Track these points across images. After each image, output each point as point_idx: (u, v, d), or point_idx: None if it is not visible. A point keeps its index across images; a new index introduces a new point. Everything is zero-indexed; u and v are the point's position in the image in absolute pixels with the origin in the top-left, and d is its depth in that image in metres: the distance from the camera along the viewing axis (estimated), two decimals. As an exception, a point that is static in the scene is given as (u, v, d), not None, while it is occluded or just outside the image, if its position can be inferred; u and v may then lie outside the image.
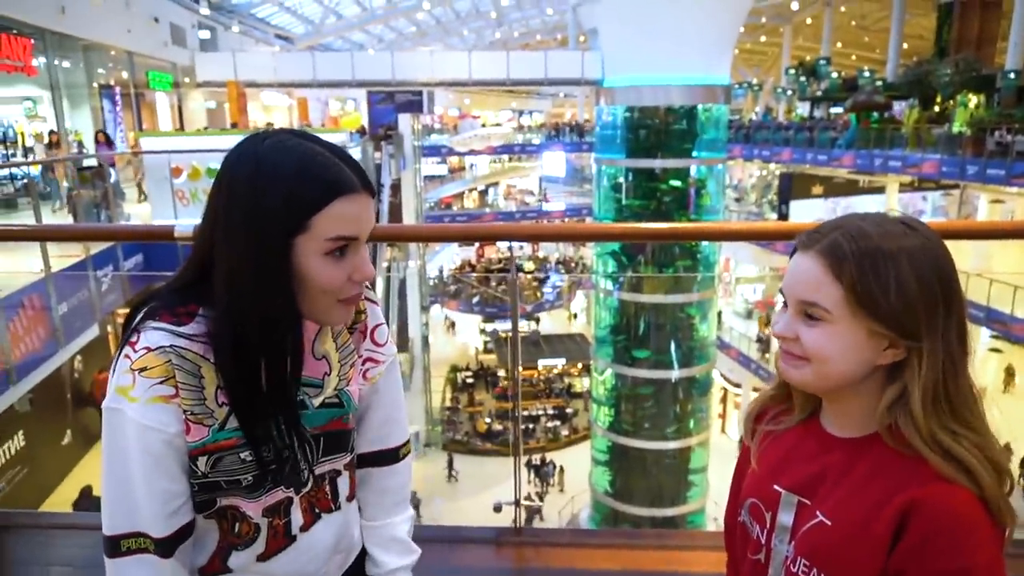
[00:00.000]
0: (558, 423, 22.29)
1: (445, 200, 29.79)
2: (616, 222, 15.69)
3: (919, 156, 16.46)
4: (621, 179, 16.71)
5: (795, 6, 33.24)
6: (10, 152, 13.20)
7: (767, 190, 27.33)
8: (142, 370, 0.86)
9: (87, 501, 6.93)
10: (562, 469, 19.14)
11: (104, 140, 10.83)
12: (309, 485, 1.01)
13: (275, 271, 0.86)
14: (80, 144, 13.65)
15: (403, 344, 18.96)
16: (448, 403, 23.71)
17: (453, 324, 29.47)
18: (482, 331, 28.09)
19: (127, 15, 15.55)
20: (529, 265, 29.23)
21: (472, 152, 27.06)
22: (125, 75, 16.81)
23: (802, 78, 31.13)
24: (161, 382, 0.86)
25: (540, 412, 22.27)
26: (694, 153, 16.13)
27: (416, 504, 13.26)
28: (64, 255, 6.50)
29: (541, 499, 17.19)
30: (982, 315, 12.65)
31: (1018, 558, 2.07)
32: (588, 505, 17.59)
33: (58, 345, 6.05)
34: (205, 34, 20.72)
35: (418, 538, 1.20)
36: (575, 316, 30.53)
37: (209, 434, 0.90)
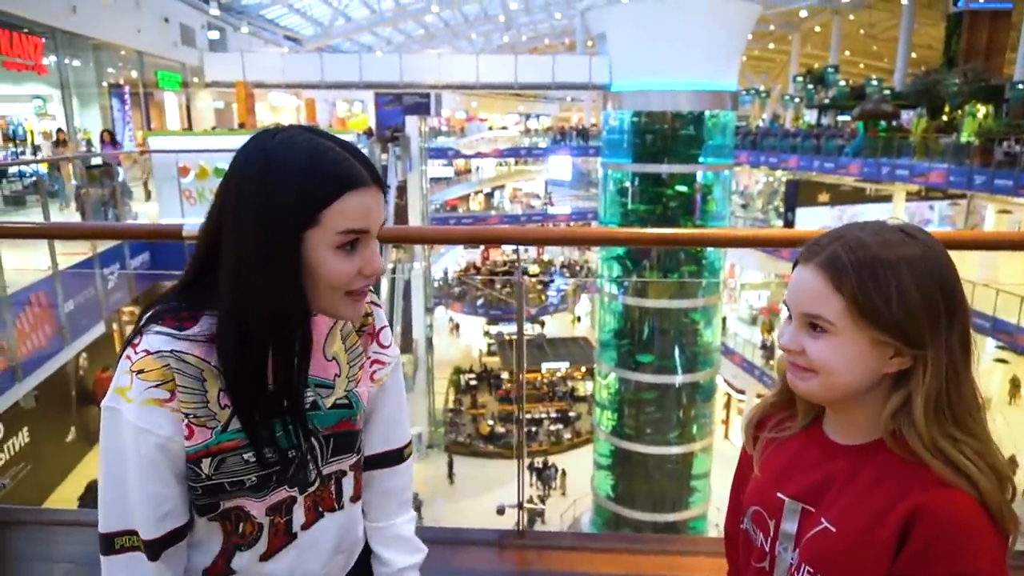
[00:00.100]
0: (561, 426, 22.28)
1: (451, 202, 29.85)
2: (622, 226, 15.68)
3: (926, 165, 16.41)
4: (627, 184, 16.73)
5: (804, 14, 33.21)
6: (19, 150, 13.27)
7: (773, 197, 27.28)
8: (140, 372, 0.86)
9: (92, 496, 6.94)
10: (564, 472, 19.11)
11: (109, 139, 10.85)
12: (315, 485, 1.01)
13: (285, 266, 0.87)
14: (89, 143, 13.70)
15: (407, 345, 18.98)
16: (451, 405, 23.73)
17: (457, 326, 29.49)
18: (486, 333, 28.11)
19: (137, 15, 15.62)
20: (534, 268, 29.25)
21: (478, 155, 27.11)
22: (134, 74, 16.88)
23: (810, 86, 31.07)
24: (157, 385, 0.87)
25: (543, 415, 22.26)
26: (701, 159, 16.14)
27: (418, 506, 13.25)
28: (71, 253, 6.53)
29: (543, 502, 17.17)
30: (988, 325, 12.60)
31: (1021, 570, 2.06)
32: (590, 509, 17.57)
33: (64, 342, 6.08)
34: (214, 35, 20.78)
35: (420, 539, 1.21)
36: (578, 319, 30.52)
37: (212, 436, 0.90)
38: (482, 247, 30.02)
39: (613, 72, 16.84)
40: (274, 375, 0.92)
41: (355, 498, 1.10)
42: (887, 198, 19.71)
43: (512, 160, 32.00)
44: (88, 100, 15.06)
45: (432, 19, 35.00)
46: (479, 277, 27.39)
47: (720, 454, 17.16)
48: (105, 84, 15.72)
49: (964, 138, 16.18)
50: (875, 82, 28.72)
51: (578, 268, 30.88)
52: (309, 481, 1.00)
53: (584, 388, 24.15)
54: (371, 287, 0.98)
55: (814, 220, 17.62)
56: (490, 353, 27.06)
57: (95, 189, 9.29)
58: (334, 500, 1.05)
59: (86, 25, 13.52)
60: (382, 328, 1.12)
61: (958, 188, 16.53)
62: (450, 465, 18.92)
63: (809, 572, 0.89)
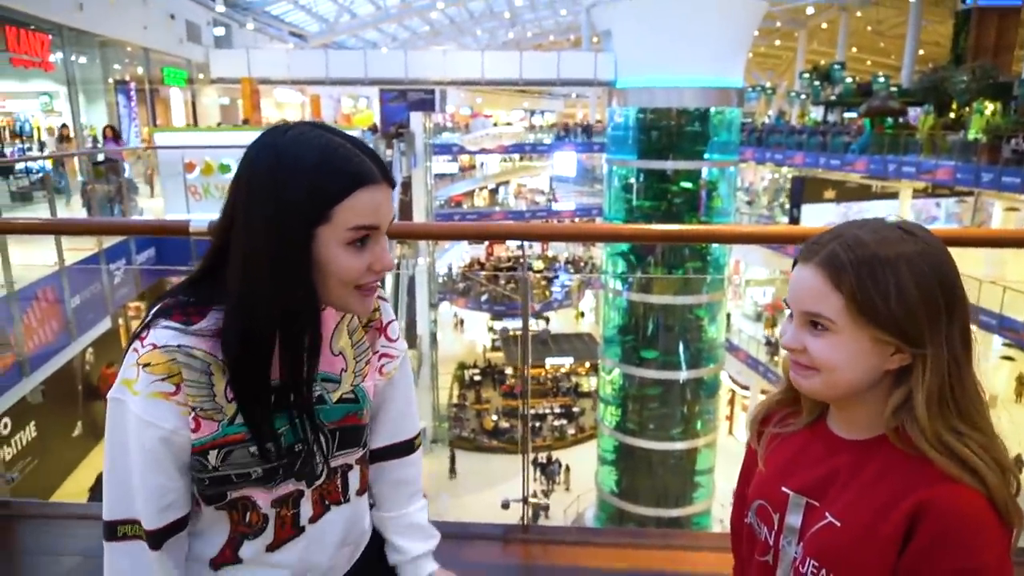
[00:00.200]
0: (565, 422, 22.30)
1: (455, 198, 29.83)
2: (626, 223, 15.68)
3: (933, 162, 16.34)
4: (632, 180, 16.70)
5: (811, 11, 33.05)
6: (26, 146, 13.31)
7: (779, 193, 27.21)
8: (146, 365, 0.87)
9: (102, 487, 6.98)
10: (568, 468, 19.14)
11: (112, 135, 10.86)
12: (322, 478, 1.02)
13: (296, 262, 0.88)
14: (95, 139, 13.74)
15: (411, 341, 19.00)
16: (455, 400, 23.77)
17: (461, 322, 29.51)
18: (490, 329, 28.12)
19: (143, 12, 15.64)
20: (538, 264, 29.22)
21: (483, 151, 27.09)
22: (140, 71, 16.91)
23: (816, 82, 30.93)
24: (163, 379, 0.88)
25: (547, 411, 22.28)
26: (706, 155, 16.10)
27: (422, 501, 13.24)
28: (77, 249, 6.55)
29: (547, 497, 17.20)
30: (995, 323, 12.56)
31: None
32: (594, 504, 17.59)
33: (70, 338, 6.10)
34: (220, 31, 20.80)
35: None
36: (582, 315, 30.51)
37: (219, 429, 0.91)
38: (486, 243, 30.03)
39: (618, 68, 16.81)
40: (281, 370, 0.93)
41: (361, 491, 1.11)
42: (893, 195, 19.63)
43: (517, 156, 31.94)
44: (94, 96, 15.11)
45: (437, 15, 34.96)
46: (483, 273, 27.36)
47: (724, 450, 17.16)
48: (111, 80, 15.76)
49: (972, 135, 16.09)
50: (882, 79, 28.58)
51: (583, 264, 30.85)
52: (316, 475, 1.01)
53: (588, 384, 24.16)
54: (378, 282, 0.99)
55: (820, 217, 17.57)
56: (494, 349, 27.08)
57: (101, 185, 9.32)
58: (340, 493, 1.06)
59: (93, 22, 13.55)
60: (389, 322, 1.13)
61: (965, 185, 16.46)
62: (452, 460, 18.96)
63: (814, 566, 0.89)
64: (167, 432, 0.89)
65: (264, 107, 20.64)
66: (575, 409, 22.88)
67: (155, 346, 0.88)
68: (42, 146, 13.70)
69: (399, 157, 15.41)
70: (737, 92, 16.21)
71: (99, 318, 6.80)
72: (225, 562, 0.99)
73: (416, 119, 19.46)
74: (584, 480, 18.14)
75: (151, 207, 10.60)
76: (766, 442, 1.03)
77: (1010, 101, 18.01)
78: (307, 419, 0.97)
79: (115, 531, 0.92)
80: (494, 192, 33.16)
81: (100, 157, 9.88)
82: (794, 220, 18.89)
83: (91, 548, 2.28)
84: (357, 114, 29.59)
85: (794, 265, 0.92)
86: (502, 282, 26.01)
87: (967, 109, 18.58)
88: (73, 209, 9.45)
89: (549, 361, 24.58)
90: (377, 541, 1.19)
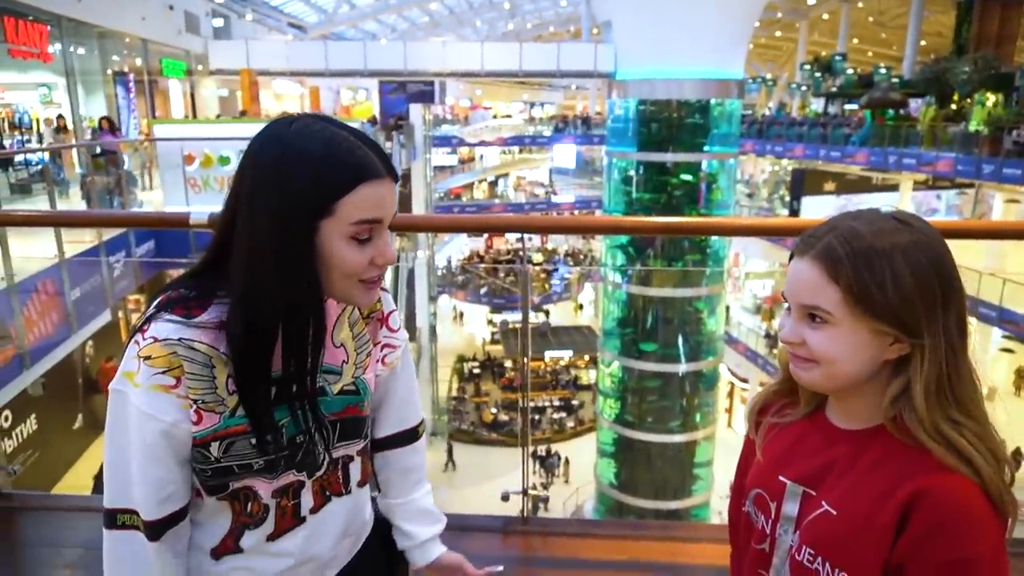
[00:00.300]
0: (564, 414, 22.35)
1: (454, 191, 29.83)
2: (626, 215, 15.66)
3: (934, 154, 16.30)
4: (632, 172, 16.67)
5: (812, 1, 32.94)
6: (25, 138, 13.28)
7: (779, 186, 27.16)
8: (147, 358, 0.88)
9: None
10: (567, 460, 19.20)
11: (108, 127, 10.82)
12: (323, 470, 1.03)
13: (300, 255, 0.88)
14: (94, 131, 13.72)
15: (411, 334, 19.01)
16: (454, 393, 23.81)
17: (461, 314, 29.54)
18: (489, 322, 28.15)
19: (142, 2, 15.56)
20: (538, 257, 29.23)
21: (483, 143, 27.06)
22: (139, 62, 16.85)
23: (817, 74, 30.82)
24: (163, 372, 0.88)
25: (546, 403, 22.33)
26: (706, 147, 16.06)
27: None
28: (77, 241, 6.55)
29: (546, 490, 17.25)
30: (994, 315, 12.57)
31: (1018, 557, 2.07)
32: (593, 497, 17.65)
33: (71, 330, 6.11)
34: (219, 22, 20.70)
35: None
36: (581, 307, 30.54)
37: (220, 421, 0.92)
38: (486, 236, 30.01)
39: (618, 60, 16.75)
40: (284, 362, 0.93)
41: (362, 483, 1.12)
42: (894, 187, 19.60)
43: (516, 148, 31.92)
44: (93, 88, 15.05)
45: (436, 6, 34.82)
46: (483, 265, 27.40)
47: (723, 442, 17.19)
48: (110, 72, 15.71)
49: (973, 127, 16.05)
50: (883, 70, 28.50)
51: (582, 256, 30.86)
52: (316, 466, 1.02)
53: (587, 376, 24.21)
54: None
55: (820, 209, 17.55)
56: (493, 341, 27.12)
57: (100, 177, 9.30)
58: (341, 485, 1.07)
59: (91, 13, 13.49)
60: (391, 312, 1.14)
61: (966, 177, 16.43)
62: (449, 453, 19.00)
63: (810, 554, 0.90)
64: (167, 425, 0.89)
65: (263, 99, 20.58)
66: (574, 402, 22.93)
67: (156, 339, 0.88)
68: (40, 138, 13.67)
69: (398, 149, 15.37)
70: (737, 84, 16.16)
71: (99, 311, 6.80)
72: (226, 552, 1.00)
73: (415, 111, 19.42)
74: (583, 473, 18.20)
75: (150, 199, 10.58)
76: (764, 432, 1.04)
77: (1012, 92, 17.94)
78: (309, 411, 0.97)
79: (115, 519, 0.93)
80: (493, 184, 33.14)
81: (99, 149, 9.86)
82: (794, 212, 18.86)
83: (92, 540, 2.28)
84: (356, 106, 29.50)
85: (790, 259, 0.92)
86: (501, 275, 26.02)
87: (968, 100, 18.53)
88: (72, 201, 9.44)
89: (548, 354, 24.62)
90: (378, 532, 1.20)
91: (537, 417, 21.37)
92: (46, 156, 10.66)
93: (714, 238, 15.55)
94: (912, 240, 0.85)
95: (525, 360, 2.80)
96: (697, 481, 16.71)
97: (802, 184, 19.23)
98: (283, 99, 27.23)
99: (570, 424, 22.09)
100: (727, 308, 19.61)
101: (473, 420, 22.10)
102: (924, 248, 0.85)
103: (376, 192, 0.89)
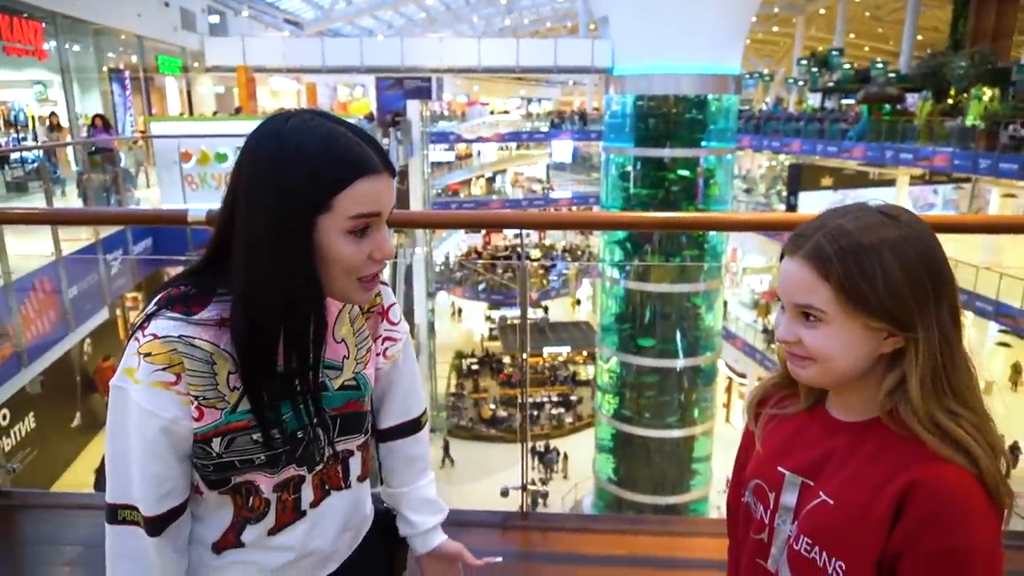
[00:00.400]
0: (562, 410, 22.36)
1: (452, 187, 29.75)
2: (624, 211, 15.64)
3: (931, 149, 16.32)
4: (629, 168, 16.66)
5: (808, -5, 32.93)
6: (21, 136, 13.24)
7: (776, 181, 27.19)
8: (147, 355, 0.88)
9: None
10: (566, 456, 19.21)
11: (102, 124, 10.78)
12: (322, 464, 1.03)
13: (297, 251, 0.88)
14: (89, 128, 13.68)
15: (409, 330, 18.97)
16: (453, 389, 23.80)
17: (459, 311, 29.52)
18: (488, 318, 28.14)
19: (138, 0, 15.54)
20: (535, 253, 29.22)
21: (480, 139, 27.00)
22: (135, 59, 16.80)
23: (814, 69, 30.84)
24: (163, 369, 0.88)
25: (545, 399, 22.33)
26: (703, 143, 16.04)
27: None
28: (74, 239, 6.54)
29: (544, 485, 17.26)
30: (991, 309, 12.60)
31: (1020, 550, 2.09)
32: (591, 492, 17.66)
33: (68, 328, 6.10)
34: (215, 19, 20.67)
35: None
36: (578, 302, 30.55)
37: (222, 417, 0.92)
38: (483, 231, 29.99)
39: (615, 55, 16.72)
40: (286, 358, 0.93)
41: (362, 477, 1.12)
42: (891, 182, 19.62)
43: (514, 144, 31.87)
44: (89, 85, 15.01)
45: (433, 2, 34.80)
46: (481, 262, 27.35)
47: (721, 438, 17.22)
48: (105, 69, 15.66)
49: (969, 122, 16.07)
50: (880, 65, 28.50)
51: (580, 252, 30.85)
52: (316, 460, 1.02)
53: (586, 372, 24.22)
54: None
55: (817, 204, 17.55)
56: (492, 337, 27.12)
57: (97, 175, 9.28)
58: (341, 479, 1.07)
59: (86, 10, 13.45)
60: (391, 306, 1.14)
61: (963, 172, 16.45)
62: (445, 449, 19.01)
63: (807, 543, 0.91)
64: (167, 421, 0.90)
65: (260, 95, 20.53)
66: (573, 397, 22.94)
67: (156, 336, 0.89)
68: (36, 136, 13.63)
69: (395, 145, 15.35)
70: (734, 79, 16.12)
71: (97, 308, 6.79)
72: (227, 546, 1.00)
73: (412, 107, 19.38)
74: (582, 468, 18.22)
75: (147, 197, 10.56)
76: (763, 423, 1.05)
77: (1008, 87, 17.96)
78: (312, 406, 0.98)
79: (116, 514, 0.93)
80: (491, 180, 33.07)
81: (95, 147, 9.83)
82: (791, 208, 18.88)
83: (92, 537, 2.29)
84: (353, 102, 29.44)
85: (781, 258, 0.93)
86: (499, 271, 26.02)
87: (965, 95, 18.55)
88: (69, 199, 9.42)
89: (547, 350, 24.61)
90: (378, 526, 1.21)
91: (536, 413, 21.38)
92: (41, 154, 10.63)
93: (712, 233, 15.54)
94: (900, 234, 0.85)
95: (524, 356, 2.81)
96: (695, 476, 16.73)
97: (799, 179, 19.24)
98: (280, 96, 27.17)
99: (568, 420, 22.11)
100: (725, 303, 19.62)
101: (472, 416, 22.11)
102: (912, 242, 0.85)
103: (374, 187, 0.90)
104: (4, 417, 6.88)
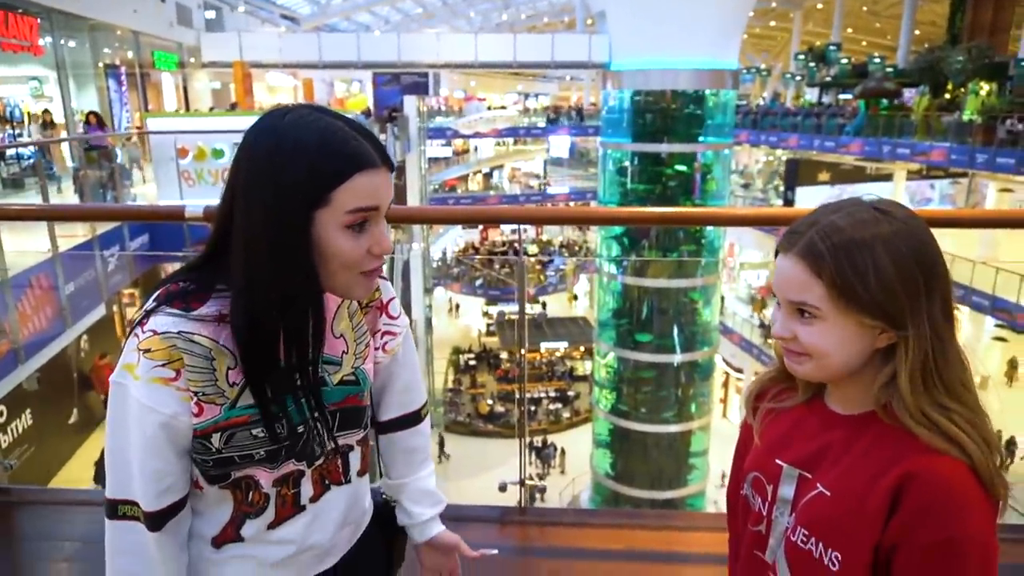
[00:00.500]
0: (560, 405, 22.41)
1: (449, 182, 29.75)
2: (621, 206, 15.65)
3: (928, 144, 16.33)
4: (627, 163, 16.66)
5: (805, -10, 32.89)
6: (17, 132, 13.18)
7: (773, 176, 27.19)
8: (146, 351, 0.88)
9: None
10: (563, 451, 19.25)
11: (96, 121, 10.72)
12: (322, 459, 1.04)
13: (295, 246, 0.88)
14: (87, 124, 13.63)
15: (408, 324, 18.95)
16: (450, 385, 23.83)
17: (457, 306, 29.53)
18: (485, 314, 28.16)
19: (133, -6, 15.45)
20: (532, 248, 29.24)
21: (477, 135, 26.98)
22: (131, 55, 16.72)
23: (811, 64, 30.82)
24: (163, 365, 0.88)
25: (542, 395, 22.37)
26: (701, 138, 16.05)
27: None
28: (70, 235, 6.52)
29: (542, 480, 17.30)
30: (987, 303, 12.63)
31: (1019, 543, 2.10)
32: (589, 487, 17.72)
33: (65, 325, 6.09)
34: (211, 14, 20.57)
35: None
36: (575, 298, 30.58)
37: (221, 412, 0.92)
38: (481, 227, 29.99)
39: (613, 51, 16.71)
40: (286, 352, 0.94)
41: (362, 472, 1.12)
42: (888, 177, 19.64)
43: (511, 140, 31.86)
44: (84, 81, 14.95)
45: (430, -3, 34.67)
46: (478, 257, 27.37)
47: (718, 432, 17.27)
48: (101, 65, 15.58)
49: (966, 116, 16.08)
50: (878, 60, 28.50)
51: (577, 248, 30.87)
52: (316, 455, 1.02)
53: (583, 368, 24.26)
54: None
55: (814, 199, 17.58)
56: (489, 333, 27.14)
57: (93, 171, 9.25)
58: (341, 474, 1.07)
59: (82, 5, 13.38)
60: (390, 300, 1.15)
61: (959, 167, 16.47)
62: (440, 445, 19.02)
63: (804, 534, 0.92)
64: (167, 417, 0.90)
65: (256, 91, 20.47)
66: (570, 393, 22.99)
67: (155, 332, 0.89)
68: (31, 133, 13.58)
69: (392, 141, 15.33)
70: (732, 74, 16.12)
71: (93, 305, 6.78)
72: (227, 540, 1.01)
73: (410, 103, 19.34)
74: (579, 463, 18.26)
75: (143, 193, 10.53)
76: (761, 416, 1.05)
77: (1005, 81, 17.97)
78: (312, 401, 0.98)
79: (116, 509, 0.93)
80: (488, 176, 33.08)
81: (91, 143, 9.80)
82: (788, 202, 18.89)
83: (90, 533, 2.29)
84: (350, 98, 29.39)
85: (776, 255, 0.93)
86: (497, 266, 26.02)
87: (962, 90, 18.55)
88: (66, 195, 9.39)
89: (545, 345, 24.65)
90: (378, 520, 1.21)
91: (533, 408, 21.42)
92: (36, 150, 10.59)
93: (709, 228, 15.56)
94: (893, 230, 0.85)
95: (522, 352, 2.81)
96: (692, 471, 16.78)
97: (796, 174, 19.27)
98: (276, 91, 27.09)
99: (566, 415, 22.16)
100: (722, 298, 19.66)
101: (469, 412, 22.14)
102: (905, 237, 0.85)
103: (371, 181, 0.89)
104: (1, 414, 6.88)
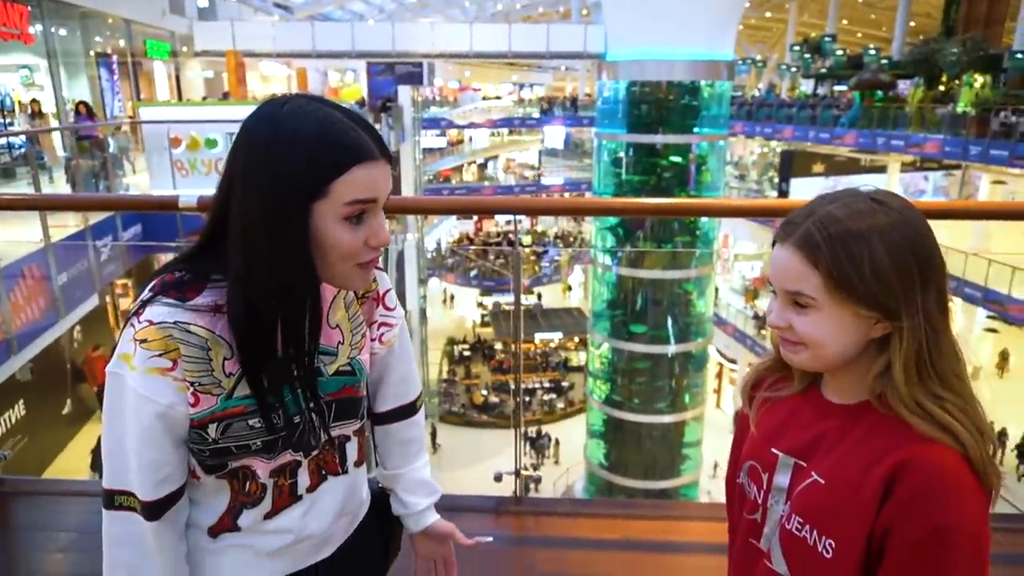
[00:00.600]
0: (554, 396, 22.46)
1: (444, 173, 29.62)
2: (616, 197, 15.63)
3: (922, 136, 16.37)
4: (622, 154, 16.63)
5: (801, -19, 32.81)
6: (7, 121, 13.08)
7: (768, 168, 27.22)
8: (143, 341, 0.88)
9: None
10: (557, 441, 19.32)
11: (86, 111, 10.64)
12: (318, 449, 1.04)
13: (293, 237, 0.88)
14: (78, 114, 13.53)
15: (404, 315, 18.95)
16: (445, 375, 23.84)
17: (451, 297, 29.52)
18: (479, 304, 28.16)
19: (125, -19, 15.30)
20: (527, 239, 29.21)
21: (472, 125, 26.89)
22: (122, 44, 16.58)
23: (807, 55, 30.82)
24: (159, 355, 0.88)
25: (536, 385, 22.42)
26: (696, 129, 16.03)
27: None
28: (63, 225, 6.49)
29: (536, 470, 17.38)
30: (979, 295, 12.69)
31: (1011, 532, 2.12)
32: (583, 477, 17.78)
33: (58, 315, 6.07)
34: (203, 2, 20.41)
35: None
36: (569, 289, 30.60)
37: (218, 403, 0.92)
38: (475, 218, 29.94)
39: (608, 41, 16.65)
40: (283, 343, 0.93)
41: (359, 463, 1.13)
42: (882, 169, 19.70)
43: (505, 130, 31.74)
44: (76, 70, 14.82)
45: (424, -14, 34.43)
46: (472, 248, 27.32)
47: (712, 423, 17.36)
48: (93, 53, 15.45)
49: (961, 108, 16.12)
50: (873, 51, 28.50)
51: (572, 239, 30.85)
52: (312, 446, 1.02)
53: (577, 358, 24.29)
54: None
55: (809, 190, 17.58)
56: (483, 324, 27.14)
57: (85, 161, 9.19)
58: (338, 464, 1.08)
59: (72, -8, 13.26)
60: (387, 291, 1.15)
61: (953, 159, 16.53)
62: (433, 436, 19.05)
63: (799, 522, 0.92)
64: (163, 407, 0.90)
65: (250, 80, 20.34)
66: (564, 383, 23.04)
67: (151, 323, 0.88)
68: (20, 122, 13.48)
69: (387, 131, 15.26)
70: (727, 65, 16.09)
71: (86, 295, 6.76)
72: (224, 530, 1.01)
73: (404, 93, 19.26)
74: (573, 453, 18.32)
75: (136, 183, 10.47)
76: (757, 406, 1.06)
77: (1000, 74, 18.03)
78: (308, 391, 0.98)
79: (113, 500, 0.93)
80: (483, 166, 32.96)
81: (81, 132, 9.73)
82: (783, 194, 18.92)
83: (85, 524, 2.29)
84: (344, 88, 29.23)
85: (773, 245, 0.94)
86: (491, 257, 25.99)
87: (957, 82, 18.58)
88: (58, 185, 9.33)
89: (539, 336, 24.67)
90: (374, 510, 1.21)
91: (528, 399, 21.46)
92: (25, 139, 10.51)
93: (703, 220, 15.56)
94: (889, 221, 0.86)
95: (517, 342, 2.82)
96: (686, 461, 16.86)
97: (791, 166, 19.27)
98: (270, 81, 26.92)
99: (560, 405, 22.21)
100: (716, 290, 19.71)
101: (464, 402, 22.17)
102: (901, 228, 0.86)
103: (370, 174, 0.89)
104: (-6, 404, 6.87)
